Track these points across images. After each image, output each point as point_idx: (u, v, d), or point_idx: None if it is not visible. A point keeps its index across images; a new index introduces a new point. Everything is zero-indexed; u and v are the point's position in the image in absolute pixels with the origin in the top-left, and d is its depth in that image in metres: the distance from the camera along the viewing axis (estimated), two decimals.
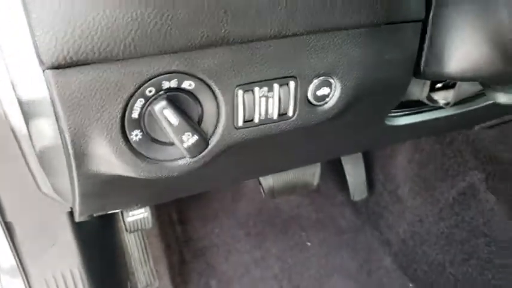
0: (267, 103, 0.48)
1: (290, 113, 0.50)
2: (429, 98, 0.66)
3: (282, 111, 0.49)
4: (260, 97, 0.47)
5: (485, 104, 0.71)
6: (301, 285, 1.27)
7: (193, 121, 0.45)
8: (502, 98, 0.57)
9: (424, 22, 0.52)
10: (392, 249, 1.33)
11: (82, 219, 0.70)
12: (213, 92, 0.45)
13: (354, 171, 1.40)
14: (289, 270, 1.30)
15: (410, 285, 1.26)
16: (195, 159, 0.48)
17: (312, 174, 1.05)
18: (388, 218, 1.36)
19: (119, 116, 0.43)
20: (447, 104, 0.67)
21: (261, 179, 1.01)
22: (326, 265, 1.31)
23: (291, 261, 1.31)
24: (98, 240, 1.00)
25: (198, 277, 1.29)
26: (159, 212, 1.31)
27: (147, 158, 0.47)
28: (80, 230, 0.87)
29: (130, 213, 0.97)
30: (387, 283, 1.27)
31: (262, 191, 1.04)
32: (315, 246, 1.35)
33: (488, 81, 0.58)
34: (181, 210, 1.39)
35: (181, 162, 0.48)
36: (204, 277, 1.29)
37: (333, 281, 1.28)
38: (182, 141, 0.44)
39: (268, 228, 1.39)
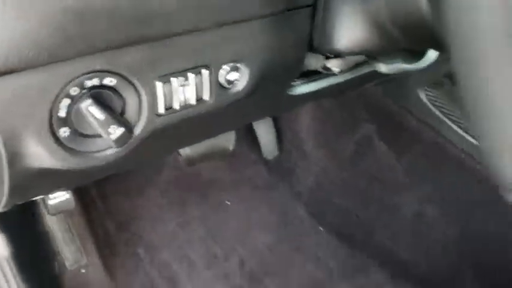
0: (184, 91, 0.53)
1: (206, 97, 0.55)
2: (324, 67, 0.75)
3: (198, 96, 0.54)
4: (178, 86, 0.52)
5: (372, 69, 0.81)
6: (225, 243, 1.35)
7: (117, 114, 0.49)
8: (383, 67, 0.66)
9: (314, 6, 0.59)
10: (304, 200, 1.45)
11: (6, 209, 0.70)
12: (134, 86, 0.49)
13: (264, 132, 1.50)
14: (212, 230, 1.37)
15: (321, 229, 1.40)
16: (121, 148, 0.52)
17: (227, 139, 1.11)
18: (298, 172, 1.48)
19: (47, 117, 0.45)
20: (340, 71, 0.76)
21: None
22: (246, 222, 1.40)
23: (213, 222, 1.39)
24: (21, 228, 1.00)
25: (125, 248, 1.32)
26: (79, 190, 1.30)
27: (76, 151, 0.50)
28: (2, 219, 0.86)
29: (52, 196, 0.97)
30: (302, 231, 1.40)
31: (180, 160, 1.08)
32: (235, 205, 1.44)
33: (371, 54, 0.67)
34: (100, 186, 1.39)
35: (108, 152, 0.52)
36: (131, 247, 1.32)
37: (254, 235, 1.37)
38: (109, 134, 0.48)
39: (190, 194, 1.44)
